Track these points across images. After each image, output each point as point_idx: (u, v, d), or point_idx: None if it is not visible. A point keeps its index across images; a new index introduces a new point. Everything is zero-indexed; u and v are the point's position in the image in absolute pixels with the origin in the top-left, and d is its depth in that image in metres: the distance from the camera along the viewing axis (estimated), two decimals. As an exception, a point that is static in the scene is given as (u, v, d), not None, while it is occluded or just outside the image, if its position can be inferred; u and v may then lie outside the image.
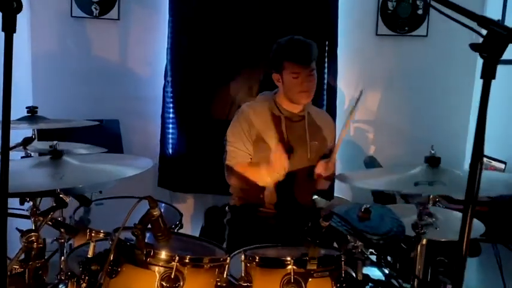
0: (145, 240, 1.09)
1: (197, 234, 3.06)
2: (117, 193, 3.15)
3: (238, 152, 2.05)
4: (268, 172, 1.96)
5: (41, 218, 1.26)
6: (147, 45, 3.07)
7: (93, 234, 1.85)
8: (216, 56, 2.93)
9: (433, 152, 1.21)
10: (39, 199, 1.35)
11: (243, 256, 1.21)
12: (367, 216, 1.31)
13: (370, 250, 1.33)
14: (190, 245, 1.34)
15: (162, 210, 2.31)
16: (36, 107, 1.95)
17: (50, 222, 1.36)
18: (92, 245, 1.23)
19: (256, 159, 2.06)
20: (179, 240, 1.35)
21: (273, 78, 2.07)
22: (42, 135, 2.70)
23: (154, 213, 1.06)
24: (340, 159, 2.99)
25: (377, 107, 3.10)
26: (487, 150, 0.93)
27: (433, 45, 3.01)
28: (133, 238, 1.10)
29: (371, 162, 2.71)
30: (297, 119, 2.10)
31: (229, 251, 2.03)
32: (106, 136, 2.93)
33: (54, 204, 1.30)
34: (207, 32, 2.92)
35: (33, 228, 1.35)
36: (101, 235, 1.86)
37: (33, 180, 1.21)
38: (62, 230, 1.51)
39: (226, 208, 2.22)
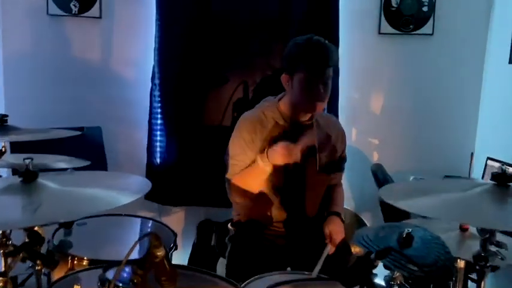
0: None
1: (189, 251, 2.83)
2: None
3: (241, 165, 1.83)
4: (265, 159, 1.74)
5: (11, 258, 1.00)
6: (132, 45, 2.82)
7: (75, 262, 1.61)
8: (208, 57, 2.70)
9: (503, 167, 0.97)
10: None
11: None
12: (409, 243, 1.09)
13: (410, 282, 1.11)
14: (197, 283, 1.10)
15: (153, 229, 2.11)
16: (7, 115, 1.68)
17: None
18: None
19: None
20: (184, 277, 1.11)
21: (282, 80, 1.84)
22: (16, 146, 2.45)
23: (159, 253, 0.82)
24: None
25: (380, 110, 2.91)
26: None
27: (439, 45, 2.84)
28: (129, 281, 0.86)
29: (380, 172, 2.51)
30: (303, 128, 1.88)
31: (231, 273, 1.78)
32: (87, 145, 2.68)
33: (27, 240, 1.04)
34: (198, 31, 2.68)
35: (2, 264, 1.09)
36: (85, 262, 1.61)
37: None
38: (38, 262, 1.24)
39: (229, 225, 1.98)
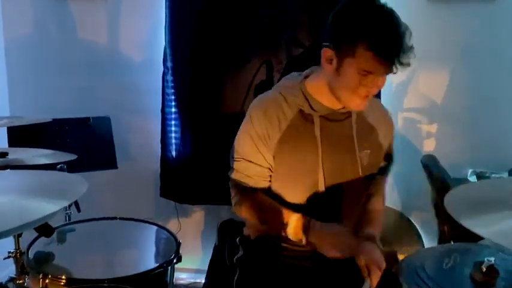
0: None
1: (209, 255, 2.52)
2: (112, 207, 2.65)
3: (252, 168, 1.41)
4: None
5: None
6: (141, 26, 2.51)
7: (47, 282, 1.31)
8: (225, 34, 2.33)
9: None
10: None
11: None
12: (493, 282, 0.69)
13: None
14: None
15: (155, 235, 1.79)
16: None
17: None
18: None
19: (277, 174, 1.43)
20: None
21: (323, 54, 1.33)
22: (15, 138, 2.23)
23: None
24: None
25: (432, 91, 2.43)
26: None
27: (502, 12, 2.32)
28: None
29: (433, 164, 2.07)
30: (338, 118, 1.42)
31: None
32: (95, 137, 2.41)
33: None
34: (213, 5, 2.32)
35: None
36: (62, 283, 1.31)
37: None
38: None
39: (237, 241, 1.61)
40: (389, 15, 1.26)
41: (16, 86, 2.59)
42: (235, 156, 1.45)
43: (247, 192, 1.43)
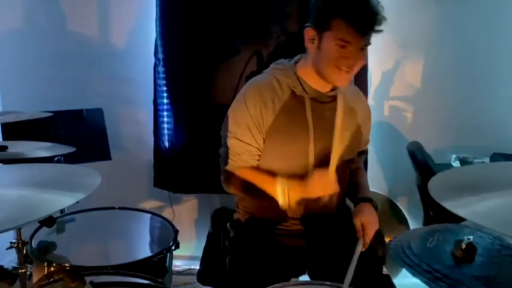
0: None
1: (203, 242, 2.58)
2: (106, 198, 2.68)
3: (242, 147, 1.49)
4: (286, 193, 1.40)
5: None
6: (131, 18, 2.53)
7: (52, 269, 1.36)
8: (215, 26, 2.36)
9: None
10: None
11: None
12: (471, 258, 0.76)
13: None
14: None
15: (153, 223, 1.85)
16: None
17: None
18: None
19: (268, 154, 1.52)
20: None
21: (305, 35, 1.45)
22: (9, 132, 2.24)
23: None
24: (374, 145, 2.46)
25: (417, 79, 2.51)
26: None
27: (489, 3, 2.39)
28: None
29: (418, 151, 2.15)
30: (325, 100, 1.53)
31: (233, 286, 1.41)
32: (88, 129, 2.43)
33: None
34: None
35: None
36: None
37: None
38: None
39: (228, 225, 1.68)
40: None
41: (7, 79, 2.58)
42: (227, 133, 1.52)
43: (237, 168, 1.50)
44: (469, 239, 0.76)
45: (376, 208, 1.51)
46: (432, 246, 0.78)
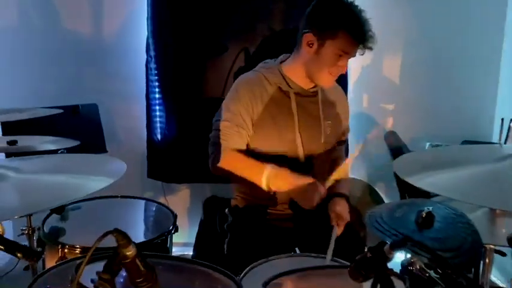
0: None
1: (195, 229, 2.73)
2: (104, 188, 2.81)
3: (233, 129, 1.64)
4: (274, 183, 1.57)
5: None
6: (123, 15, 2.64)
7: (66, 251, 1.50)
8: (204, 24, 2.50)
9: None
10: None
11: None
12: (430, 224, 0.94)
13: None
14: (187, 280, 0.96)
15: (153, 210, 1.99)
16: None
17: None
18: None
19: (258, 140, 1.68)
20: (171, 272, 0.98)
21: (304, 39, 1.61)
22: (8, 128, 2.33)
23: (128, 253, 0.68)
24: (355, 135, 2.63)
25: (393, 73, 2.70)
26: None
27: (457, 2, 2.59)
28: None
29: (394, 139, 2.33)
30: (308, 94, 1.72)
31: (231, 264, 1.63)
32: (84, 123, 2.54)
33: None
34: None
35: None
36: (77, 251, 1.51)
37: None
38: (18, 254, 1.13)
39: (226, 211, 1.84)
40: (359, 9, 1.57)
41: (2, 76, 2.64)
42: (221, 118, 1.67)
43: (225, 149, 1.64)
44: (428, 209, 0.93)
45: (349, 203, 1.69)
46: (399, 216, 0.95)
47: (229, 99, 1.68)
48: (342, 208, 1.61)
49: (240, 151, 1.66)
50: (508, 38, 2.62)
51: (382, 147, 2.48)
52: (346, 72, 2.53)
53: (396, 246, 0.69)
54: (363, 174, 2.74)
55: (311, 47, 1.59)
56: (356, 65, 2.65)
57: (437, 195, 1.19)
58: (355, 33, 1.53)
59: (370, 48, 1.57)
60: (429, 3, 2.60)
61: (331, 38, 1.55)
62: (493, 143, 2.57)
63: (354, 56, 1.60)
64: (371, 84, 2.71)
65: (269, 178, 1.55)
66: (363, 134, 2.67)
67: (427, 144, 2.63)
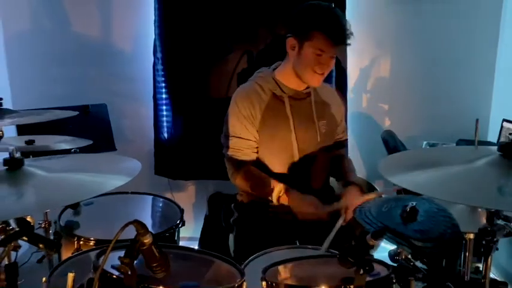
0: (138, 272, 0.83)
1: (201, 224, 2.84)
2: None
3: (243, 143, 1.78)
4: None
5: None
6: (131, 18, 2.75)
7: (81, 243, 1.61)
8: (209, 27, 2.61)
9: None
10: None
11: (264, 283, 0.95)
12: (414, 217, 1.05)
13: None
14: (195, 267, 1.07)
15: (161, 206, 2.10)
16: (1, 99, 1.65)
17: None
18: (70, 276, 0.96)
19: (260, 145, 1.80)
20: (180, 260, 1.09)
21: (287, 43, 1.74)
22: (22, 128, 2.45)
23: (145, 240, 0.79)
24: (352, 135, 2.73)
25: (391, 74, 2.80)
26: None
27: (452, 5, 2.68)
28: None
29: (391, 138, 2.43)
30: (301, 97, 1.83)
31: (238, 255, 1.74)
32: (93, 123, 2.65)
33: (17, 229, 1.02)
34: (200, 2, 2.58)
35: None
36: (91, 243, 1.62)
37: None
38: (40, 245, 1.24)
39: (232, 206, 1.95)
40: (334, 10, 1.71)
41: (18, 80, 2.76)
42: (228, 135, 1.80)
43: (241, 165, 1.78)
44: (413, 204, 1.04)
45: (363, 192, 1.77)
46: (386, 210, 1.06)
47: (231, 115, 1.80)
48: (353, 198, 1.67)
49: (254, 163, 1.79)
50: (503, 38, 2.71)
51: (381, 146, 2.57)
52: (346, 74, 2.66)
53: (376, 235, 0.80)
54: (362, 171, 2.83)
55: (294, 50, 1.72)
56: (355, 67, 2.75)
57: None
58: (329, 33, 1.64)
59: (348, 44, 1.69)
60: (426, 5, 2.69)
61: (308, 39, 1.67)
62: (490, 142, 2.66)
63: (334, 53, 1.71)
64: (369, 86, 2.81)
65: (279, 194, 1.70)
66: (362, 132, 2.77)
67: (424, 142, 2.73)
